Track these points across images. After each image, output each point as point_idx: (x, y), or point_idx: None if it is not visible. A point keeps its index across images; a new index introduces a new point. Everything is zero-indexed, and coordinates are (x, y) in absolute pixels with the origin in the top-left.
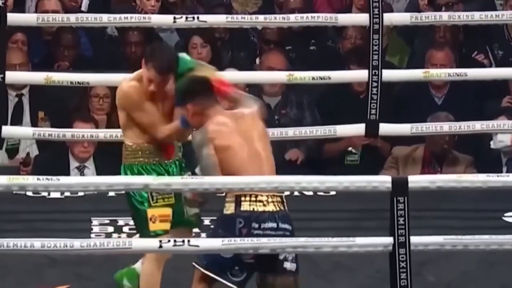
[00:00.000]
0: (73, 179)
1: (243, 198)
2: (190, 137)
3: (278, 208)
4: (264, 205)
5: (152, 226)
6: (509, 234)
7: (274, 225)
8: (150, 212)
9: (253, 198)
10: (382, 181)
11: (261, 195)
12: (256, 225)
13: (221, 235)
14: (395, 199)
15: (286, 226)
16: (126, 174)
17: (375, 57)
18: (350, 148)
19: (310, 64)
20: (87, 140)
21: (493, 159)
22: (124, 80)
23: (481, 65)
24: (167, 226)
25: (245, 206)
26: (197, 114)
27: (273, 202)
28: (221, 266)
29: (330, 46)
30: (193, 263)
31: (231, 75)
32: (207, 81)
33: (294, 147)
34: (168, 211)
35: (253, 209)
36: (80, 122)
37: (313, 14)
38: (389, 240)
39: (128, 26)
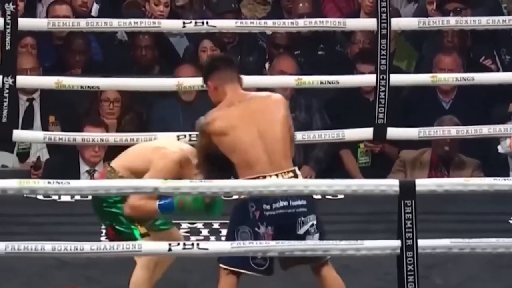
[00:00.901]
0: (83, 183)
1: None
2: None
3: None
4: None
5: (142, 230)
6: None
7: (285, 203)
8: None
9: (261, 179)
10: (390, 184)
11: (270, 175)
12: (267, 206)
13: (238, 222)
14: (402, 202)
15: (299, 202)
16: None
17: (383, 61)
18: (362, 147)
19: (318, 68)
20: (97, 144)
21: (500, 163)
22: (171, 155)
23: (488, 70)
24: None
25: None
26: (217, 90)
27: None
28: (243, 259)
29: (339, 50)
30: (219, 263)
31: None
32: (228, 58)
33: (303, 162)
34: None
35: None
36: (90, 126)
37: (321, 19)
38: (396, 243)
39: (138, 31)
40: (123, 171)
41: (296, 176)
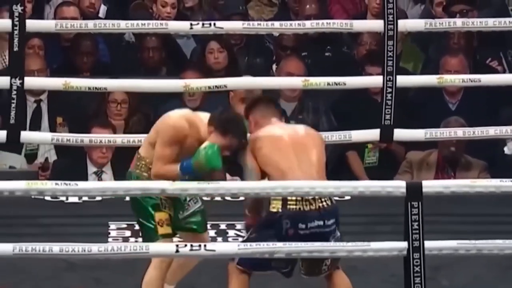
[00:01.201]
0: (91, 184)
1: (289, 197)
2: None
3: (324, 204)
4: (310, 203)
5: (161, 230)
6: None
7: (320, 223)
8: (158, 216)
9: (299, 197)
10: (397, 186)
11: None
12: (303, 226)
13: (266, 234)
14: (409, 204)
15: (331, 221)
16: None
17: (390, 63)
18: (369, 147)
19: (325, 69)
20: (105, 145)
21: (507, 165)
22: (176, 114)
23: (495, 71)
24: (170, 229)
25: (292, 205)
26: (257, 125)
27: (320, 198)
28: (264, 263)
29: (345, 52)
30: (236, 265)
31: (248, 81)
32: (269, 99)
33: None
34: (168, 215)
35: (300, 208)
36: (98, 128)
37: (328, 21)
38: (403, 244)
39: (146, 32)
40: (146, 151)
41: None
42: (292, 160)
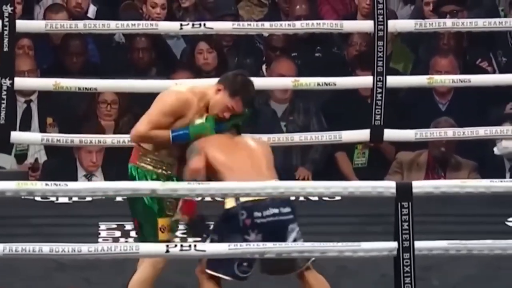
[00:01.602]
0: (81, 185)
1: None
2: None
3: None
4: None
5: (162, 236)
6: None
7: (276, 210)
8: (161, 221)
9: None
10: (387, 186)
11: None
12: (259, 214)
13: (226, 230)
14: (399, 204)
15: (287, 209)
16: (135, 175)
17: (380, 63)
18: (359, 148)
19: (315, 70)
20: (95, 146)
21: (497, 165)
22: (182, 87)
23: (485, 71)
24: (171, 235)
25: (245, 197)
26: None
27: None
28: (227, 264)
29: (336, 52)
30: (206, 269)
31: None
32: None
33: (300, 164)
34: (170, 221)
35: (253, 200)
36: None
37: (318, 21)
38: (393, 244)
39: (136, 33)
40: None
41: None
42: (244, 160)
